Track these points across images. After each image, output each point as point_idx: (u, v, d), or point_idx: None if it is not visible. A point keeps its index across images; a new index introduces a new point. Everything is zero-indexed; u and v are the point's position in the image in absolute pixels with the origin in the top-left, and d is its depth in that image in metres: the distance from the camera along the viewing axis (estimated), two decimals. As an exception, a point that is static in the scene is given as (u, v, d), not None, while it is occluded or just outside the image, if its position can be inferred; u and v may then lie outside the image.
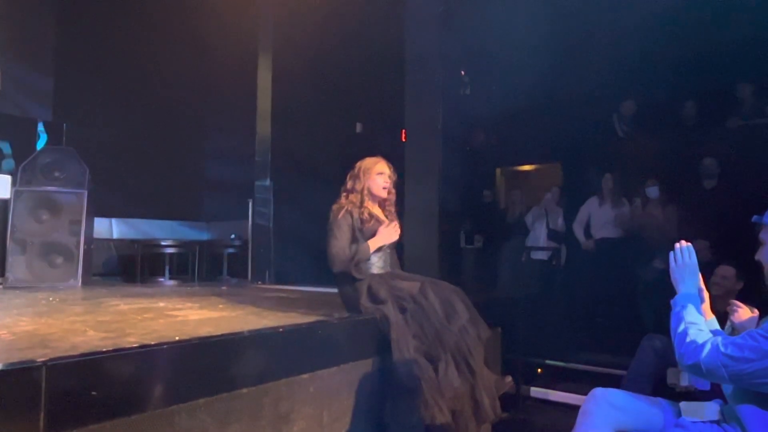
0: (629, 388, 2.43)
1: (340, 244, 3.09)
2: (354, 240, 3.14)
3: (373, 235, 3.16)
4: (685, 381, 2.07)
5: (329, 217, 3.18)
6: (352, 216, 3.14)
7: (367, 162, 3.29)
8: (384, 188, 3.25)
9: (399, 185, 3.44)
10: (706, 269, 3.35)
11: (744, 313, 2.17)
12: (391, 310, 2.92)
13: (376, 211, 3.26)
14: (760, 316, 2.20)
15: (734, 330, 2.19)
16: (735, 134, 5.23)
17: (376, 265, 3.18)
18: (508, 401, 3.81)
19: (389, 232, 3.18)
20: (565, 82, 5.91)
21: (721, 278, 3.34)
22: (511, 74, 6.04)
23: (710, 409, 1.93)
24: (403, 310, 2.95)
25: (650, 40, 5.51)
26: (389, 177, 3.26)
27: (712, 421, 1.89)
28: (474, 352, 2.96)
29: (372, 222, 3.18)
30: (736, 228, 4.40)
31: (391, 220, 3.27)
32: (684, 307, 1.87)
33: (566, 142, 6.21)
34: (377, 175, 3.24)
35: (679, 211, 5.13)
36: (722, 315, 2.29)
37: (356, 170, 3.28)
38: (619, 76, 5.86)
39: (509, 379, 3.28)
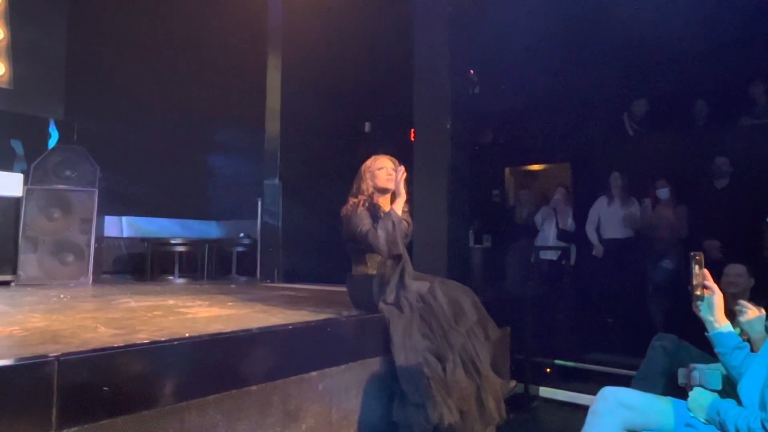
0: (640, 388, 2.42)
1: (370, 228, 3.07)
2: None
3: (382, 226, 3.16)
4: (695, 380, 2.06)
5: (344, 219, 3.19)
6: (366, 209, 3.15)
7: (368, 160, 3.33)
8: (388, 180, 3.24)
9: (408, 184, 3.43)
10: (717, 269, 3.35)
11: (752, 313, 2.16)
12: (405, 311, 2.91)
13: (387, 206, 3.26)
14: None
15: (742, 330, 2.18)
16: (747, 133, 5.19)
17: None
18: (516, 401, 3.80)
19: (399, 188, 3.13)
20: (575, 81, 5.89)
21: (735, 276, 3.32)
22: (520, 73, 6.02)
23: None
24: (412, 310, 2.95)
25: (661, 39, 5.47)
26: (392, 169, 3.27)
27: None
28: (481, 353, 2.96)
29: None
30: (746, 227, 4.39)
31: (403, 217, 3.27)
32: (719, 411, 1.84)
33: (576, 141, 6.19)
34: (378, 170, 3.26)
35: (690, 210, 5.09)
36: (734, 316, 2.28)
37: (360, 171, 3.33)
38: (629, 75, 5.83)
39: (514, 382, 3.27)
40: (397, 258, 3.11)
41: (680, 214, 5.14)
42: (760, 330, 2.12)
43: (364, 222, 3.11)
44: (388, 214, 3.09)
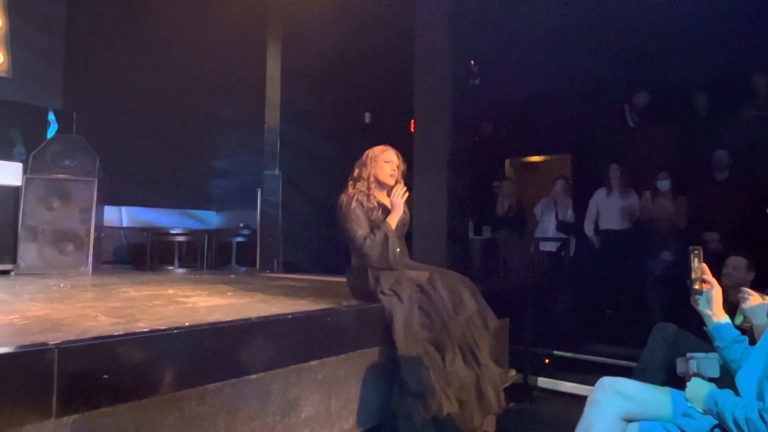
0: (641, 378, 2.43)
1: (365, 236, 3.08)
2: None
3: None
4: (693, 369, 2.06)
5: (339, 209, 3.18)
6: (362, 205, 3.14)
7: (375, 150, 3.28)
8: (391, 176, 3.23)
9: (408, 175, 3.43)
10: (717, 261, 3.35)
11: (755, 300, 2.16)
12: (404, 301, 2.92)
13: (384, 199, 3.26)
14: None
15: (745, 317, 2.18)
16: (748, 125, 5.18)
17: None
18: (515, 392, 3.82)
19: (398, 201, 3.16)
20: (576, 73, 5.86)
21: (733, 269, 3.32)
22: (521, 64, 6.00)
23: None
24: (411, 299, 2.95)
25: (662, 30, 5.45)
26: (397, 166, 3.25)
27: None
28: (480, 343, 2.97)
29: (380, 211, 3.18)
30: (747, 220, 4.39)
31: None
32: (716, 401, 1.84)
33: (576, 132, 6.17)
34: (384, 163, 3.22)
35: (690, 202, 5.09)
36: (734, 307, 2.28)
37: (364, 158, 3.28)
38: (630, 67, 5.81)
39: (513, 372, 3.28)
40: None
41: (680, 206, 5.14)
42: (762, 317, 2.12)
43: (362, 226, 3.10)
44: (385, 228, 3.09)
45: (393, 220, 3.14)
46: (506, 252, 6.15)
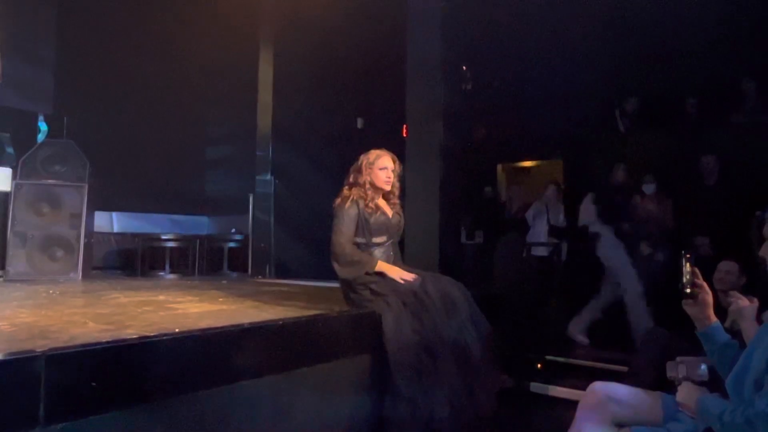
0: (632, 383, 2.43)
1: (345, 240, 3.08)
2: (359, 233, 3.14)
3: (379, 227, 3.17)
4: (683, 373, 2.07)
5: (333, 210, 3.17)
6: (358, 206, 3.13)
7: (371, 155, 3.25)
8: (387, 182, 3.22)
9: (400, 179, 3.42)
10: (708, 265, 3.36)
11: (743, 302, 2.18)
12: (392, 304, 2.91)
13: (381, 203, 3.25)
14: (760, 309, 2.21)
15: (734, 321, 2.20)
16: (738, 130, 5.22)
17: (379, 259, 3.16)
18: (507, 397, 3.81)
19: (403, 274, 3.09)
20: (568, 78, 5.89)
21: (726, 273, 3.33)
22: (512, 69, 6.03)
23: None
24: (403, 305, 2.94)
25: (653, 36, 5.49)
26: (392, 170, 3.25)
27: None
28: (472, 348, 2.96)
29: (378, 214, 3.17)
30: (737, 224, 4.42)
31: (395, 212, 3.28)
32: (706, 405, 1.84)
33: (568, 137, 6.19)
34: (380, 170, 3.21)
35: (681, 207, 5.11)
36: (724, 311, 2.29)
37: (359, 163, 3.25)
38: (621, 72, 5.84)
39: (505, 377, 3.27)
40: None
41: (666, 209, 5.15)
42: (751, 321, 2.14)
43: (349, 229, 3.10)
44: (371, 261, 3.09)
45: (383, 268, 3.09)
46: (506, 256, 6.16)
